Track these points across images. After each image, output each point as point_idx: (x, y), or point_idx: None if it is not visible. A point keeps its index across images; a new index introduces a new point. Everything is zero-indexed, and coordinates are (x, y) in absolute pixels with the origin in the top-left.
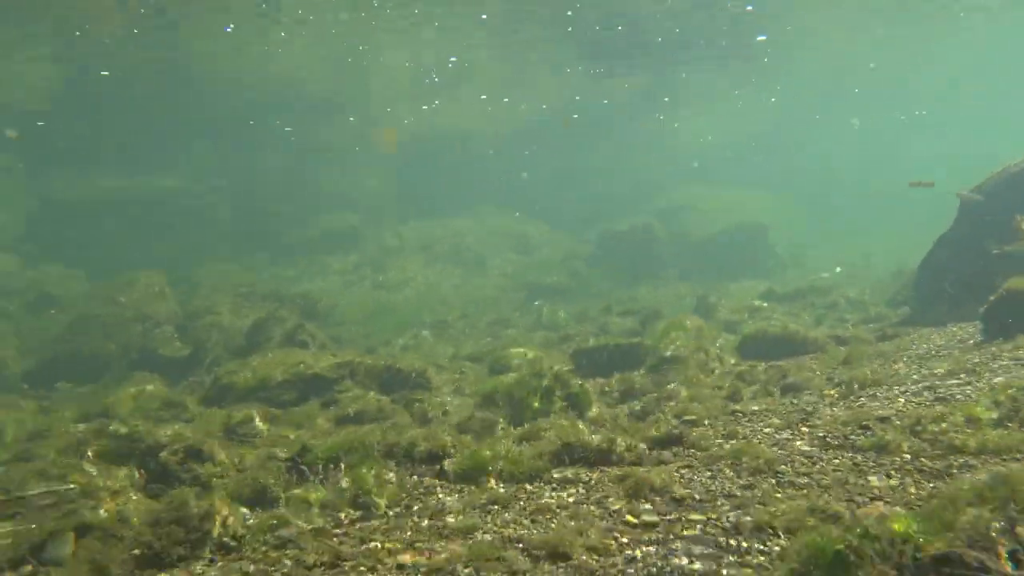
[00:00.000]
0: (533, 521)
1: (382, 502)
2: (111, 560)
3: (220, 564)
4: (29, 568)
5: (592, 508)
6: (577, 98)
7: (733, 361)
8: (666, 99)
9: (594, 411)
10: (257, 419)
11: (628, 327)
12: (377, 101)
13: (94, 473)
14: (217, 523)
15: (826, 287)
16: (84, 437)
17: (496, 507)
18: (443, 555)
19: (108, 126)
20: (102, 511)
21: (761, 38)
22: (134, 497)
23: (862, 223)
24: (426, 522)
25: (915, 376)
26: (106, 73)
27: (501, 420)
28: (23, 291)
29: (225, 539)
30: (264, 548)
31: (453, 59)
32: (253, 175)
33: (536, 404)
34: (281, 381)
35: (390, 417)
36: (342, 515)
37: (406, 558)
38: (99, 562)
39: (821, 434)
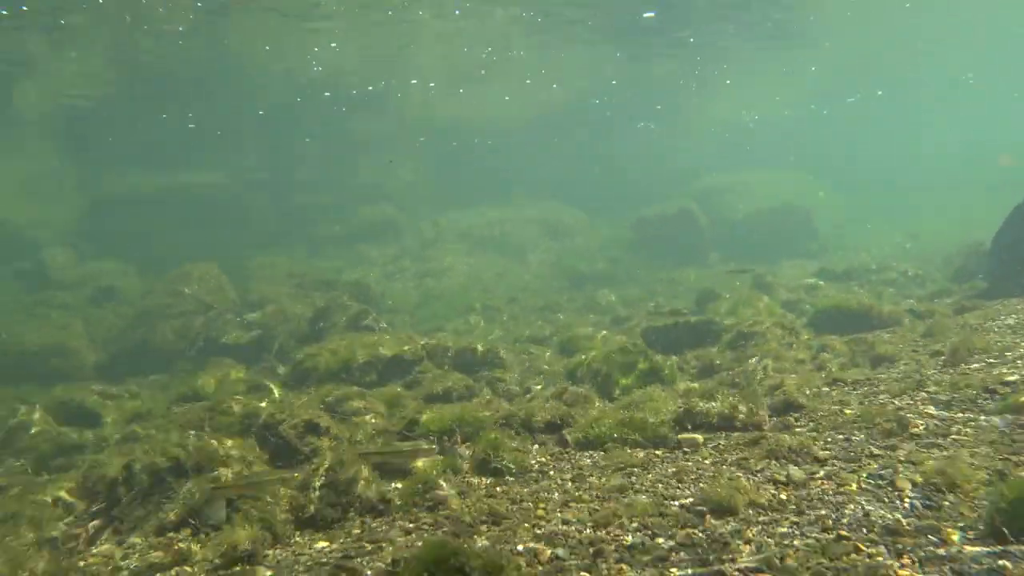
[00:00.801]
0: (679, 481)
1: (514, 467)
2: (276, 520)
3: (374, 525)
4: (188, 531)
5: (733, 469)
6: (613, 82)
7: (807, 336)
8: (694, 84)
9: (681, 385)
10: (356, 398)
11: (683, 308)
12: (414, 91)
13: (229, 444)
14: (363, 488)
15: (881, 264)
16: (200, 416)
17: (636, 469)
18: (603, 512)
19: (155, 124)
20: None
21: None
22: (264, 467)
23: (903, 203)
24: (570, 484)
25: None
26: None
27: (594, 393)
28: (79, 285)
29: (374, 503)
30: (415, 510)
31: (488, 49)
32: (291, 169)
33: (623, 379)
34: (362, 363)
35: (477, 395)
36: (475, 480)
37: (569, 515)
38: (268, 520)
39: (944, 399)
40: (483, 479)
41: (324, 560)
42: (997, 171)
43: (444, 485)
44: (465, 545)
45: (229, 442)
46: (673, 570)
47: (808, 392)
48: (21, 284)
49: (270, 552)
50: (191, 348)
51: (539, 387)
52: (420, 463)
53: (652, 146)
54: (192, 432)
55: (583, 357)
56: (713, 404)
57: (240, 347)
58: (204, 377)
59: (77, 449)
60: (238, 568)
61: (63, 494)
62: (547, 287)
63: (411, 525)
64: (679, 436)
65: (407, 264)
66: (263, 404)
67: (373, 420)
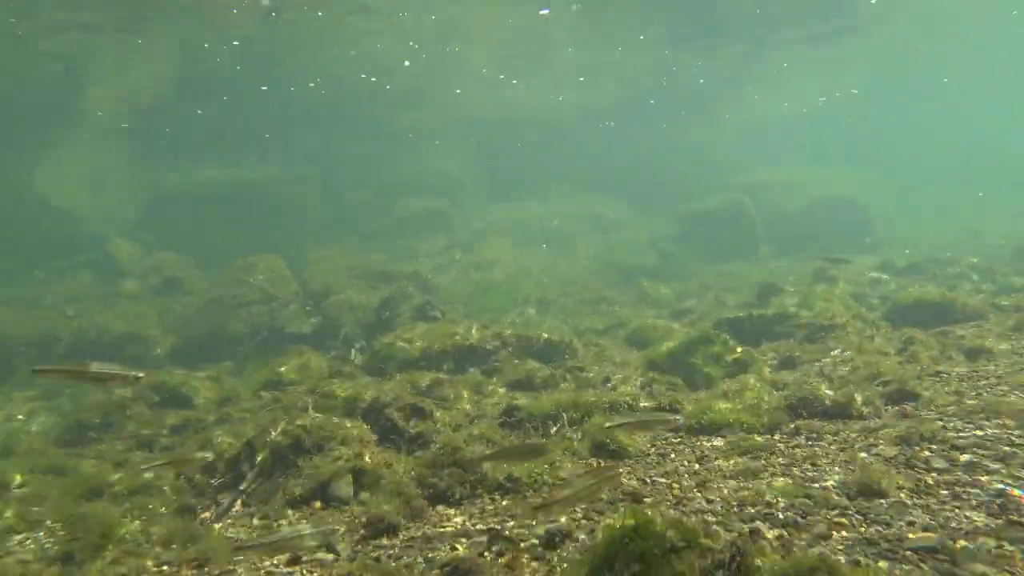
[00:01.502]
0: (813, 465)
1: (631, 450)
2: (411, 496)
3: (506, 503)
4: (318, 504)
5: (864, 455)
6: (664, 81)
7: (885, 329)
8: (749, 77)
9: (766, 374)
10: (451, 385)
11: (743, 300)
12: (460, 85)
13: (348, 425)
14: (490, 469)
15: (945, 258)
16: (302, 399)
17: (763, 454)
18: (747, 492)
19: (212, 120)
20: (366, 457)
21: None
22: (376, 448)
23: (955, 197)
24: (697, 466)
25: None
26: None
27: (680, 382)
28: (143, 276)
29: (501, 481)
30: (544, 488)
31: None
32: (340, 163)
33: (708, 369)
34: (439, 351)
35: (559, 383)
36: (593, 462)
37: (710, 495)
38: (405, 494)
39: None
40: (603, 461)
41: (470, 531)
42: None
43: (568, 466)
44: (658, 513)
45: (347, 423)
46: (838, 547)
47: (921, 382)
48: (89, 275)
49: (412, 524)
50: (256, 337)
51: (618, 376)
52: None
53: (697, 141)
54: (311, 413)
55: (666, 346)
56: (828, 392)
57: (304, 336)
58: (285, 363)
59: (175, 430)
60: (384, 539)
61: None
62: (597, 280)
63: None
64: (796, 423)
65: (456, 257)
66: (365, 388)
67: (468, 406)
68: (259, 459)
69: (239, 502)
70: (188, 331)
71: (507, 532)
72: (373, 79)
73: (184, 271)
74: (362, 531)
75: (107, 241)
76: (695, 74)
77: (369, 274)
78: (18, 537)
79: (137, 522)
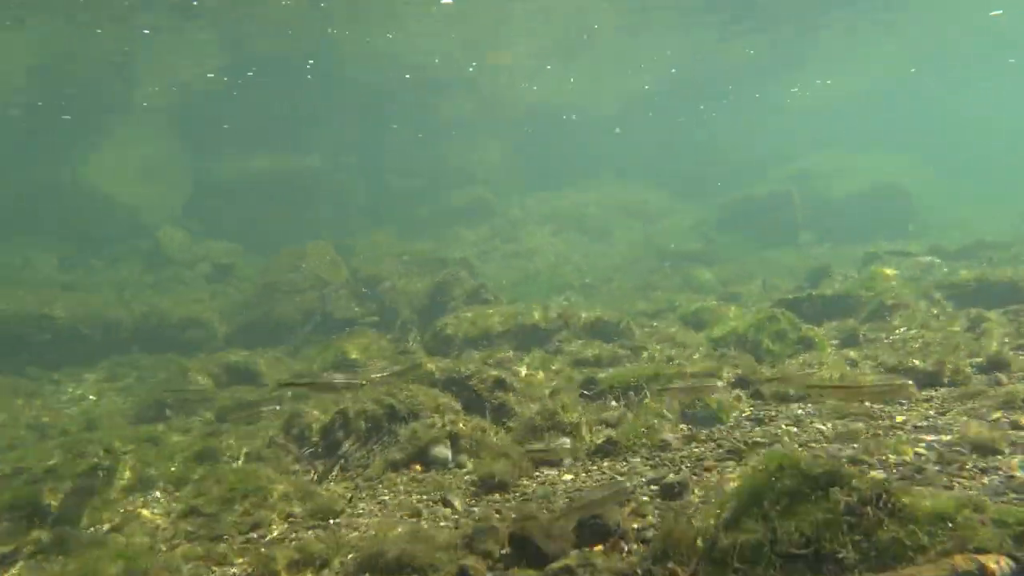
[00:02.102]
0: (916, 427)
1: (724, 415)
2: (517, 457)
3: (608, 464)
4: (419, 467)
5: (965, 418)
6: (699, 63)
7: (949, 308)
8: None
9: (828, 352)
10: (520, 362)
11: (794, 284)
12: (501, 75)
13: (438, 395)
14: (587, 432)
15: (1003, 242)
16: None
17: (863, 417)
18: (849, 452)
19: (258, 109)
20: (460, 424)
21: None
22: (465, 416)
23: (1002, 183)
24: (794, 429)
25: None
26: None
27: (751, 359)
28: (194, 263)
29: (599, 443)
30: (643, 450)
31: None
32: (383, 152)
33: (773, 347)
34: (501, 331)
35: (622, 360)
36: (683, 427)
37: (819, 454)
38: (512, 455)
39: None
40: (685, 427)
41: (578, 486)
42: None
43: (665, 428)
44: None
45: (438, 393)
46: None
47: (1010, 352)
48: (140, 263)
49: (523, 482)
50: (310, 322)
51: (682, 355)
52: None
53: (739, 128)
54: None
55: (731, 325)
56: (917, 362)
57: (356, 321)
58: (350, 344)
59: (251, 405)
60: (496, 495)
61: (275, 436)
62: (638, 267)
63: (648, 463)
64: None
65: (498, 245)
66: (449, 362)
67: (543, 380)
68: (353, 428)
69: (337, 467)
70: (243, 317)
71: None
72: (408, 76)
73: (233, 258)
74: (473, 488)
75: (157, 229)
76: (738, 60)
77: (418, 261)
78: (137, 495)
79: (257, 481)
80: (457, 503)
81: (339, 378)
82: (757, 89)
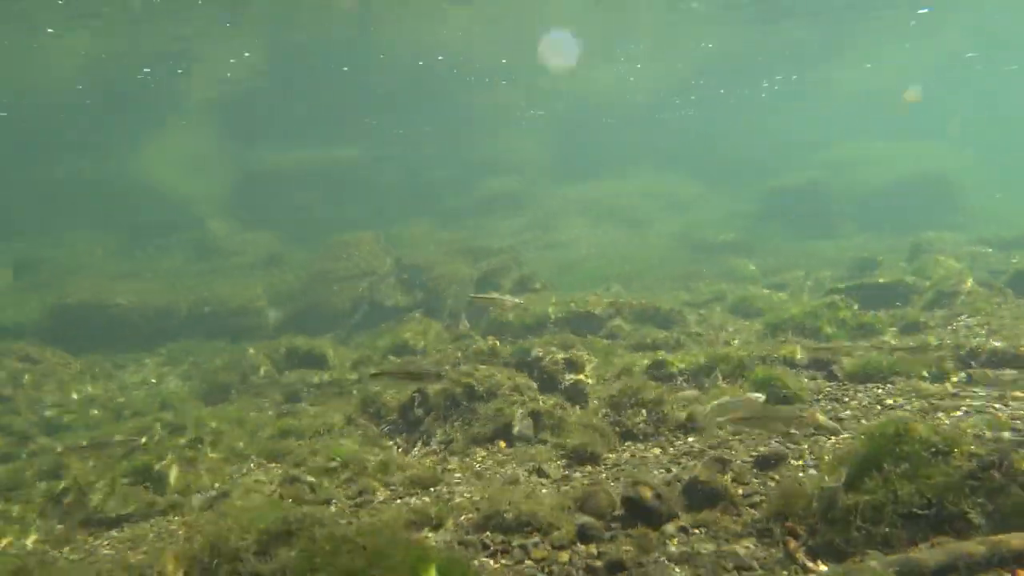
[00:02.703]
0: (1005, 404)
1: (802, 394)
2: (605, 431)
3: (693, 439)
4: (503, 444)
5: None
6: (735, 53)
7: (1010, 296)
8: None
9: (887, 336)
10: (576, 346)
11: (839, 274)
12: (538, 66)
13: (516, 375)
14: (669, 409)
15: None
16: (454, 356)
17: (943, 396)
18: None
19: (299, 103)
20: (540, 402)
21: None
22: (542, 395)
23: None
24: (878, 407)
25: None
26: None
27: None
28: (240, 252)
29: (682, 421)
30: (720, 429)
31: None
32: (421, 143)
33: (833, 332)
34: (556, 319)
35: (683, 346)
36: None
37: None
38: (599, 429)
39: None
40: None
41: (676, 457)
42: None
43: (744, 409)
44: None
45: (515, 373)
46: None
47: None
48: (188, 252)
49: (611, 455)
50: (359, 310)
51: (737, 340)
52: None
53: (775, 118)
54: (481, 365)
55: (790, 311)
56: (995, 343)
57: (404, 308)
58: (408, 329)
59: (316, 387)
60: (588, 466)
61: (353, 414)
62: (675, 258)
63: (738, 437)
64: (967, 371)
65: (533, 235)
66: (524, 344)
67: (612, 361)
68: (432, 405)
69: (420, 442)
70: (293, 304)
71: (722, 455)
72: (444, 64)
73: (279, 248)
74: (564, 461)
75: (204, 220)
76: (777, 48)
77: (462, 250)
78: (233, 468)
79: (352, 452)
80: (552, 472)
81: (428, 368)
82: (793, 76)
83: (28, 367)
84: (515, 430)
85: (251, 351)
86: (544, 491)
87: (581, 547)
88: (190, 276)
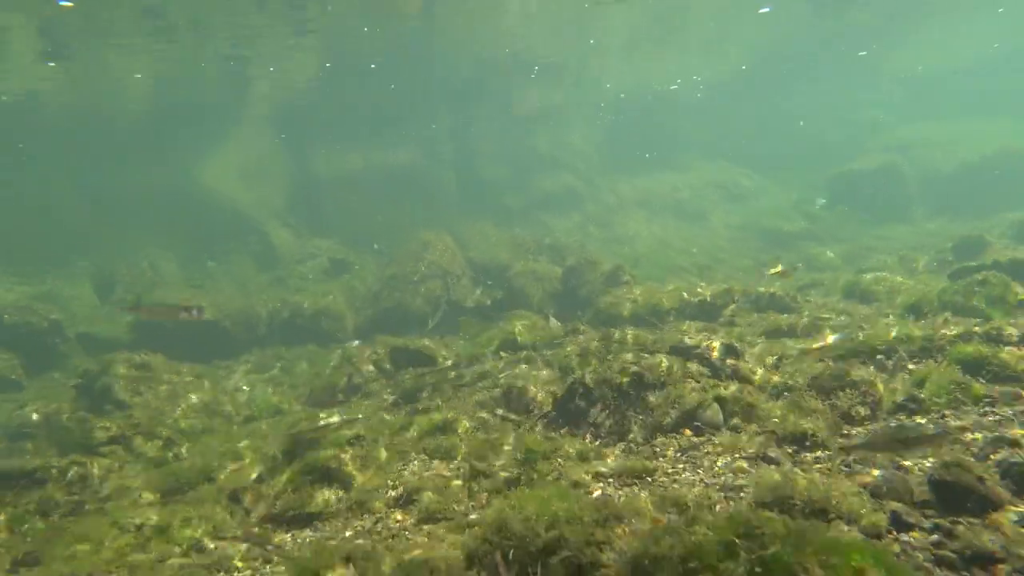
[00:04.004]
0: None
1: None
2: (825, 414)
3: (919, 420)
4: (688, 431)
5: None
6: (791, 42)
7: None
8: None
9: None
10: (714, 333)
11: (938, 257)
12: (592, 60)
13: (683, 361)
14: (881, 389)
15: None
16: (597, 348)
17: None
18: None
19: (354, 108)
20: (722, 389)
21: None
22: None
23: None
24: None
25: None
26: (373, 66)
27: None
28: (303, 259)
29: (902, 402)
30: (943, 408)
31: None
32: (475, 142)
33: (990, 310)
34: (668, 308)
35: (820, 329)
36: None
37: None
38: (821, 412)
39: None
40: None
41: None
42: None
43: (976, 386)
44: None
45: (682, 360)
46: None
47: None
48: (253, 261)
49: (839, 439)
50: (436, 311)
51: (885, 322)
52: None
53: (833, 102)
54: (645, 354)
55: (919, 292)
56: None
57: (483, 307)
58: (515, 325)
59: (432, 386)
60: (817, 451)
61: (499, 410)
62: (745, 248)
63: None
64: None
65: (593, 231)
66: (664, 334)
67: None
68: (598, 396)
69: (588, 433)
70: (372, 307)
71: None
72: (503, 57)
73: (343, 253)
74: (785, 446)
75: (265, 229)
76: (830, 33)
77: (535, 247)
78: (400, 464)
79: (541, 444)
80: (782, 458)
81: None
82: (851, 60)
83: (143, 374)
84: (704, 417)
85: (353, 353)
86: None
87: (906, 536)
88: (261, 284)
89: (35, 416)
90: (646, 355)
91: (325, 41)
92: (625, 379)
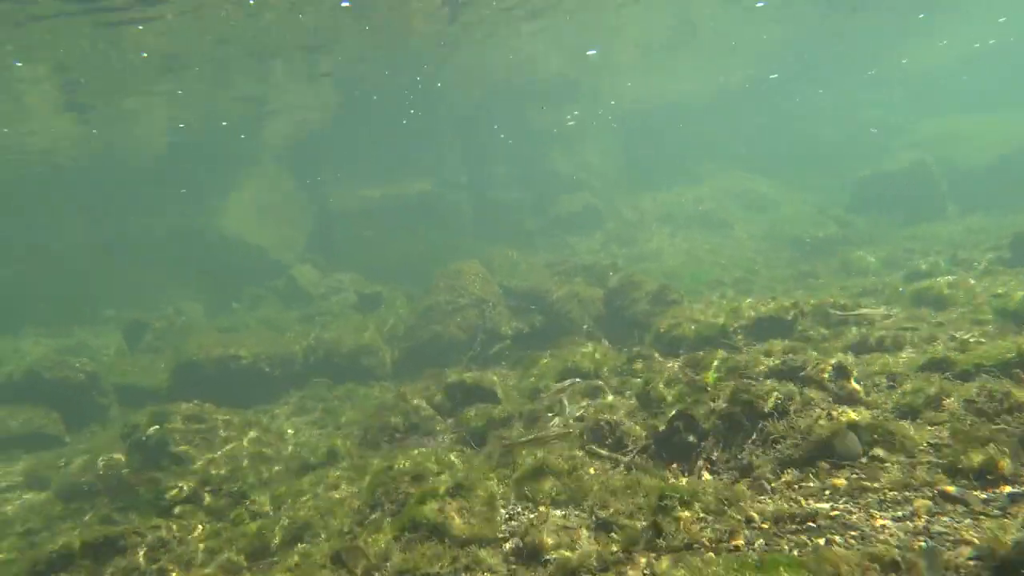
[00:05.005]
0: None
1: None
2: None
3: None
4: (824, 464)
5: None
6: (803, 51)
7: None
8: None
9: None
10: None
11: (993, 255)
12: (605, 77)
13: (806, 389)
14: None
15: None
16: (680, 375)
17: None
18: None
19: (370, 140)
20: (853, 414)
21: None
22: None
23: None
24: None
25: None
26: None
27: None
28: (330, 295)
29: None
30: None
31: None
32: (490, 165)
33: None
34: (738, 326)
35: (913, 344)
36: None
37: None
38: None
39: None
40: None
41: None
42: None
43: None
44: None
45: (787, 385)
46: None
47: None
48: (278, 300)
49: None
50: (475, 340)
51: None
52: None
53: (845, 105)
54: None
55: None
56: None
57: (522, 335)
58: (574, 353)
59: (498, 422)
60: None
61: (592, 446)
62: (776, 258)
63: None
64: None
65: (616, 249)
66: (770, 360)
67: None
68: (710, 427)
69: (701, 469)
70: (408, 341)
71: None
72: (513, 79)
73: (368, 286)
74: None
75: (287, 267)
76: (841, 34)
77: (565, 270)
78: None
79: (662, 487)
80: (969, 499)
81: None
82: (864, 62)
83: (197, 426)
84: (840, 448)
85: (405, 392)
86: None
87: None
88: (289, 323)
89: (88, 476)
90: (750, 380)
91: (338, 76)
92: (737, 408)
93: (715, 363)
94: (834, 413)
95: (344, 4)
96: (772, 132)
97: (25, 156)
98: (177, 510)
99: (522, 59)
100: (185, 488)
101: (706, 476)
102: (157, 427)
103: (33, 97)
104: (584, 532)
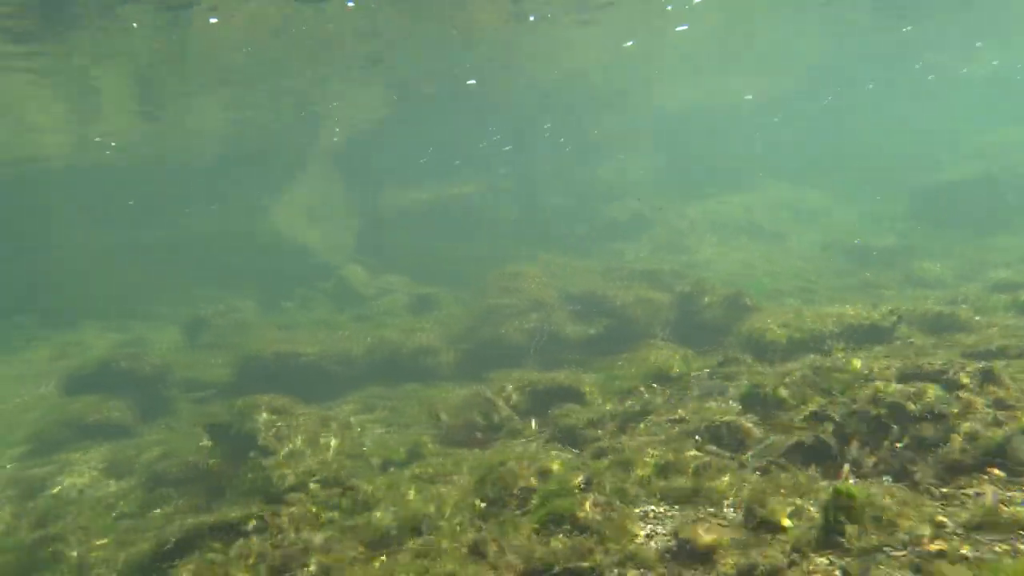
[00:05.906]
0: None
1: None
2: None
3: None
4: (995, 470)
5: None
6: (851, 48)
7: None
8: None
9: None
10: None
11: None
12: (654, 84)
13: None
14: None
15: None
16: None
17: None
18: None
19: (418, 142)
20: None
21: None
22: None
23: None
24: None
25: None
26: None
27: None
28: (381, 296)
29: None
30: None
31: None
32: (536, 171)
33: None
34: (832, 332)
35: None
36: None
37: None
38: None
39: None
40: None
41: None
42: None
43: None
44: None
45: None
46: None
47: None
48: (329, 301)
49: None
50: (536, 342)
51: None
52: None
53: (895, 116)
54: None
55: None
56: None
57: (587, 340)
58: (652, 356)
59: (593, 423)
60: None
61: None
62: (833, 268)
63: None
64: None
65: (666, 256)
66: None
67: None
68: (853, 428)
69: (847, 473)
70: (467, 342)
71: None
72: (565, 86)
73: (418, 288)
74: None
75: (337, 268)
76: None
77: (624, 275)
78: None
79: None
80: None
81: None
82: (917, 68)
83: (281, 419)
84: (1015, 453)
85: (486, 393)
86: None
87: None
88: (343, 323)
89: (170, 464)
90: (892, 383)
91: (392, 84)
92: (882, 410)
93: (856, 362)
94: (1001, 416)
95: (349, 4)
96: (820, 141)
97: (96, 155)
98: (291, 498)
99: (574, 66)
100: (292, 476)
101: (848, 479)
102: (242, 419)
103: (108, 97)
104: (742, 531)
